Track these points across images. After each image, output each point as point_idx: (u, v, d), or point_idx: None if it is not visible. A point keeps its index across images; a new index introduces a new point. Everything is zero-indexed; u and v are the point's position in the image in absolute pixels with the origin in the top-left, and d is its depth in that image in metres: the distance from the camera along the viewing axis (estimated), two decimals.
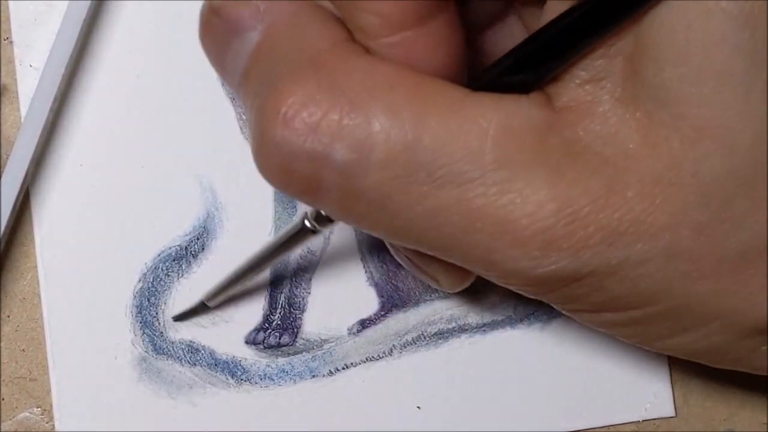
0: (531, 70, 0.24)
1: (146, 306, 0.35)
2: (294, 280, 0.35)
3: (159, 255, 0.35)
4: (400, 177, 0.23)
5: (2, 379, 0.34)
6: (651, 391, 0.36)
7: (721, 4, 0.22)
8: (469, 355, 0.36)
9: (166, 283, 0.35)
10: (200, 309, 0.35)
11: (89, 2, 0.34)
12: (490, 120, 0.23)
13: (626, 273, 0.24)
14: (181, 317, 0.35)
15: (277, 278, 0.35)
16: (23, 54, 0.35)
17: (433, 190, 0.23)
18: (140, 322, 0.35)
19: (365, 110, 0.23)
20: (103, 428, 0.34)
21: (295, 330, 0.35)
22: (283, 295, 0.36)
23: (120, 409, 0.34)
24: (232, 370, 0.35)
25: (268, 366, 0.35)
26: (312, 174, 0.24)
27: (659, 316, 0.25)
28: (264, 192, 0.35)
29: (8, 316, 0.35)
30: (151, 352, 0.35)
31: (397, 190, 0.24)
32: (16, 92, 0.35)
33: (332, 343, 0.35)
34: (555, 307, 0.26)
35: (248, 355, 0.35)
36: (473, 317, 0.36)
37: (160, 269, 0.35)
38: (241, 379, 0.35)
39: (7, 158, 0.34)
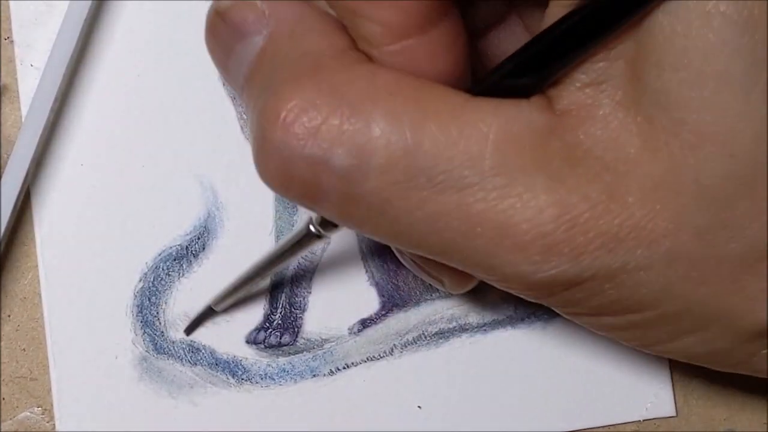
0: (532, 73, 0.24)
1: (147, 305, 0.35)
2: (295, 279, 0.35)
3: (160, 254, 0.35)
4: (400, 182, 0.23)
5: (3, 379, 0.34)
6: (652, 391, 0.36)
7: (720, 8, 0.22)
8: (469, 355, 0.36)
9: (166, 282, 0.35)
10: (208, 314, 0.35)
11: (90, 2, 0.34)
12: (490, 125, 0.23)
13: (626, 278, 0.24)
14: (190, 328, 0.35)
15: (277, 278, 0.35)
16: (24, 53, 0.35)
17: (433, 195, 0.23)
18: (141, 322, 0.35)
19: (366, 116, 0.23)
20: (104, 428, 0.34)
21: (296, 329, 0.35)
22: (283, 294, 0.36)
23: (120, 408, 0.34)
24: (232, 370, 0.35)
25: (269, 365, 0.35)
26: (312, 179, 0.24)
27: (659, 320, 0.25)
28: (265, 192, 0.35)
29: (9, 316, 0.35)
30: (151, 352, 0.35)
31: (397, 195, 0.24)
32: (17, 92, 0.35)
33: (333, 343, 0.35)
34: (555, 310, 0.26)
35: (249, 354, 0.35)
36: (474, 317, 0.36)
37: (160, 269, 0.35)
38: (242, 379, 0.35)
39: (7, 158, 0.34)
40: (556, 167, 0.23)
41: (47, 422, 0.34)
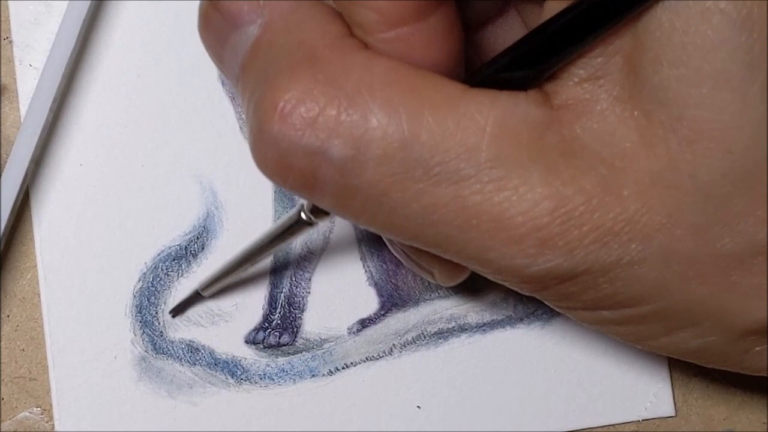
0: (529, 67, 0.24)
1: (146, 305, 0.35)
2: (294, 279, 0.35)
3: (159, 254, 0.35)
4: (397, 174, 0.23)
5: (2, 379, 0.34)
6: (651, 391, 0.36)
7: (720, 6, 0.22)
8: (469, 355, 0.36)
9: (166, 282, 0.35)
10: (194, 299, 0.35)
11: (89, 2, 0.34)
12: (487, 117, 0.23)
13: (620, 272, 0.24)
14: (176, 310, 0.35)
15: (277, 277, 0.35)
16: (23, 54, 0.35)
17: (429, 187, 0.23)
18: (140, 322, 0.35)
19: (363, 106, 0.23)
20: (103, 428, 0.34)
21: (295, 329, 0.35)
22: (282, 294, 0.35)
23: (120, 408, 0.34)
24: (231, 370, 0.35)
25: (268, 365, 0.35)
26: (309, 169, 0.24)
27: (652, 315, 0.25)
28: (264, 192, 0.35)
29: (8, 316, 0.35)
30: (150, 352, 0.35)
31: (394, 186, 0.24)
32: (16, 92, 0.35)
33: (332, 343, 0.35)
34: (549, 304, 0.26)
35: (248, 354, 0.35)
36: (473, 316, 0.36)
37: (160, 269, 0.35)
38: (241, 379, 0.35)
39: (7, 158, 0.34)
40: (552, 160, 0.23)
41: (46, 422, 0.34)
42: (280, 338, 0.35)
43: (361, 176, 0.24)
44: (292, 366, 0.35)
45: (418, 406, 0.35)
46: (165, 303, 0.35)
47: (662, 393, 0.36)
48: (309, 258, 0.36)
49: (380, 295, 0.36)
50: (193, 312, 0.35)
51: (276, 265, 0.35)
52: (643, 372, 0.35)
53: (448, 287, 0.35)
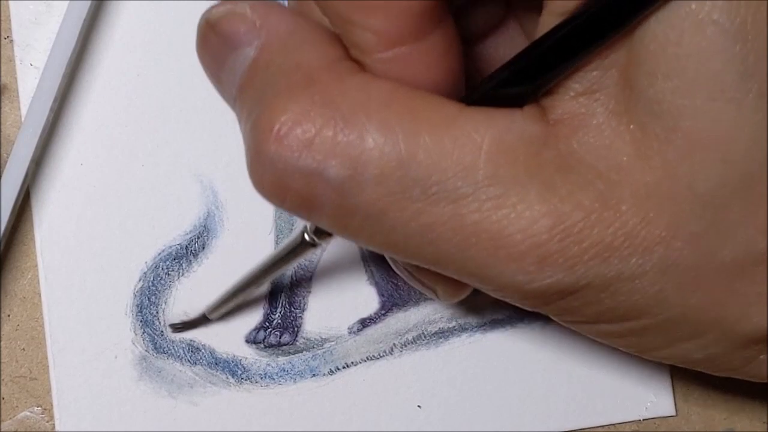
0: (526, 82, 0.24)
1: (147, 305, 0.35)
2: (294, 279, 0.35)
3: (159, 254, 0.35)
4: (395, 193, 0.23)
5: (2, 379, 0.34)
6: (651, 391, 0.36)
7: (713, 17, 0.22)
8: (469, 354, 0.36)
9: (166, 282, 0.35)
10: (201, 322, 0.35)
11: (89, 2, 0.34)
12: (484, 135, 0.23)
13: (621, 286, 0.24)
14: (180, 328, 0.35)
15: (277, 278, 0.35)
16: (23, 53, 0.35)
17: (427, 207, 0.23)
18: (141, 322, 0.35)
19: (359, 127, 0.23)
20: (104, 427, 0.34)
21: (296, 329, 0.35)
22: (283, 294, 0.36)
23: (120, 408, 0.34)
24: (232, 369, 0.35)
25: (269, 365, 0.35)
26: (307, 190, 0.24)
27: (655, 328, 0.25)
28: None
29: (8, 315, 0.35)
30: (151, 351, 0.35)
31: (392, 206, 0.24)
32: (17, 91, 0.35)
33: (333, 342, 0.35)
34: (552, 318, 0.26)
35: (249, 354, 0.35)
36: (474, 316, 0.36)
37: (160, 268, 0.35)
38: (242, 378, 0.35)
39: (7, 158, 0.34)
40: (549, 177, 0.23)
41: (47, 422, 0.34)
42: (280, 338, 0.35)
43: (358, 196, 0.24)
44: (293, 365, 0.35)
45: (419, 406, 0.35)
46: (166, 302, 0.35)
47: (663, 393, 0.36)
48: (310, 258, 0.36)
49: (381, 294, 0.36)
50: (193, 312, 0.35)
51: None
52: (644, 372, 0.35)
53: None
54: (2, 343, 0.34)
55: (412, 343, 0.36)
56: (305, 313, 0.35)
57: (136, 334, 0.35)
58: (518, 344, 0.36)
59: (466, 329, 0.36)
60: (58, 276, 0.35)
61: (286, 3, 0.33)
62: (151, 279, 0.35)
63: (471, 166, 0.23)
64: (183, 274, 0.35)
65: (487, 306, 0.36)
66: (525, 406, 0.35)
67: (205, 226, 0.35)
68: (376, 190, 0.23)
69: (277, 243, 0.35)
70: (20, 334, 0.35)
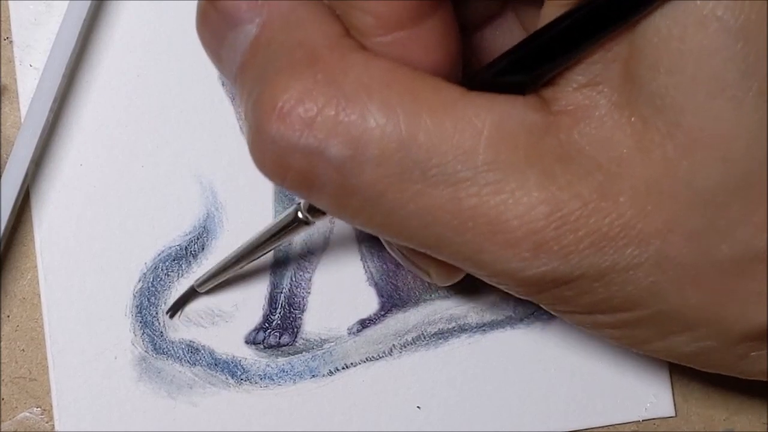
0: (527, 71, 0.24)
1: (146, 306, 0.35)
2: (294, 279, 0.35)
3: (159, 255, 0.35)
4: (394, 174, 0.23)
5: (2, 379, 0.34)
6: (651, 391, 0.36)
7: (717, 14, 0.22)
8: (469, 355, 0.36)
9: (166, 282, 0.35)
10: (190, 295, 0.35)
11: (89, 2, 0.34)
12: (485, 120, 0.23)
13: (615, 277, 0.24)
14: (173, 308, 0.35)
15: (277, 278, 0.35)
16: (23, 54, 0.35)
17: (426, 189, 0.23)
18: (140, 322, 0.35)
19: (361, 107, 0.23)
20: (103, 428, 0.34)
21: (295, 330, 0.35)
22: (283, 294, 0.36)
23: (120, 409, 0.34)
24: (232, 370, 0.35)
25: (268, 366, 0.35)
26: (307, 169, 0.24)
27: (648, 320, 0.25)
28: (264, 192, 0.35)
29: (8, 316, 0.35)
30: (151, 352, 0.35)
31: (391, 187, 0.24)
32: (16, 92, 0.35)
33: (332, 343, 0.35)
34: (545, 308, 0.26)
35: (248, 354, 0.35)
36: (473, 317, 0.36)
37: (160, 269, 0.35)
38: (241, 379, 0.35)
39: (7, 158, 0.34)
40: (548, 165, 0.23)
41: (46, 422, 0.34)
42: (280, 338, 0.35)
43: (359, 176, 0.24)
44: (292, 366, 0.35)
45: (418, 407, 0.35)
46: (165, 303, 0.35)
47: (662, 393, 0.36)
48: (309, 258, 0.36)
49: (380, 295, 0.36)
50: (193, 312, 0.35)
51: (276, 265, 0.35)
52: (643, 372, 0.35)
53: (447, 287, 0.35)
54: (2, 343, 0.34)
55: (411, 343, 0.36)
56: (305, 313, 0.35)
57: (135, 335, 0.35)
58: (518, 345, 0.36)
59: (466, 330, 0.36)
60: (58, 277, 0.34)
61: None
62: (151, 280, 0.35)
63: (471, 151, 0.23)
64: (182, 275, 0.35)
65: (487, 307, 0.36)
66: (525, 407, 0.35)
67: (204, 227, 0.35)
68: (376, 171, 0.23)
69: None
70: (20, 335, 0.34)
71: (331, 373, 0.35)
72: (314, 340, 0.35)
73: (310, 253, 0.35)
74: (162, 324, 0.35)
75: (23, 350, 0.34)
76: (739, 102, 0.22)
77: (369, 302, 0.36)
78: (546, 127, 0.24)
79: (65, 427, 0.34)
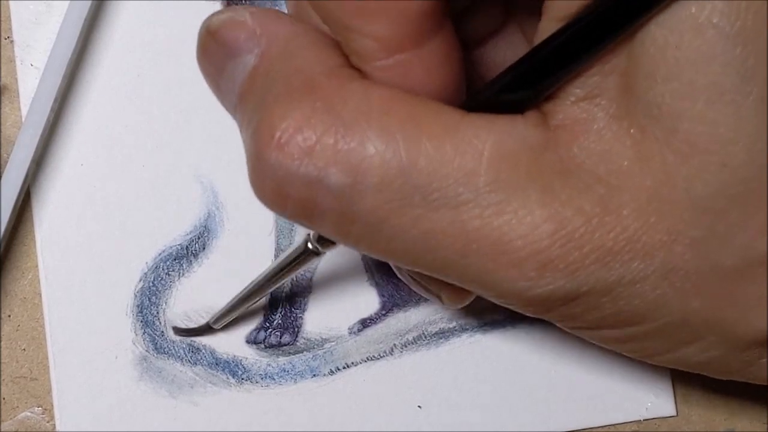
0: (527, 88, 0.24)
1: (147, 305, 0.35)
2: (295, 279, 0.35)
3: (160, 254, 0.35)
4: (395, 200, 0.23)
5: (3, 379, 0.34)
6: (652, 391, 0.36)
7: (713, 20, 0.22)
8: (469, 355, 0.36)
9: (167, 282, 0.35)
10: (205, 330, 0.35)
11: (90, 2, 0.34)
12: (485, 141, 0.23)
13: (622, 291, 0.24)
14: (183, 334, 0.35)
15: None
16: (24, 53, 0.35)
17: (428, 213, 0.23)
18: (141, 322, 0.35)
19: (360, 134, 0.23)
20: (104, 428, 0.34)
21: (296, 329, 0.35)
22: (284, 294, 0.36)
23: (121, 408, 0.34)
24: (233, 370, 0.35)
25: (269, 365, 0.35)
26: (307, 198, 0.24)
27: (656, 332, 0.25)
28: None
29: (9, 316, 0.35)
30: (151, 352, 0.35)
31: (393, 213, 0.23)
32: (17, 92, 0.35)
33: (333, 343, 0.35)
34: (555, 324, 0.26)
35: (249, 354, 0.35)
36: (474, 316, 0.36)
37: (161, 268, 0.35)
38: (242, 379, 0.35)
39: (7, 158, 0.34)
40: (549, 182, 0.23)
41: (47, 422, 0.34)
42: (281, 338, 0.35)
43: (359, 204, 0.23)
44: (293, 366, 0.35)
45: (419, 406, 0.35)
46: (166, 303, 0.35)
47: (663, 393, 0.36)
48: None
49: (381, 294, 0.36)
50: (194, 312, 0.35)
51: None
52: (644, 372, 0.35)
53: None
54: (3, 343, 0.34)
55: (412, 343, 0.36)
56: (306, 313, 0.35)
57: (136, 335, 0.35)
58: (519, 344, 0.36)
59: (467, 329, 0.36)
60: (59, 276, 0.35)
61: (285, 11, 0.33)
62: (152, 279, 0.35)
63: (472, 172, 0.23)
64: (183, 275, 0.35)
65: (488, 306, 0.36)
66: (525, 406, 0.35)
67: (205, 226, 0.35)
68: (377, 198, 0.23)
69: (277, 244, 0.35)
70: (21, 335, 0.35)
71: (332, 372, 0.35)
72: (315, 339, 0.35)
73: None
74: (163, 323, 0.35)
75: (24, 350, 0.35)
76: (738, 106, 0.22)
77: (370, 302, 0.36)
78: (545, 143, 0.24)
79: (66, 426, 0.34)
